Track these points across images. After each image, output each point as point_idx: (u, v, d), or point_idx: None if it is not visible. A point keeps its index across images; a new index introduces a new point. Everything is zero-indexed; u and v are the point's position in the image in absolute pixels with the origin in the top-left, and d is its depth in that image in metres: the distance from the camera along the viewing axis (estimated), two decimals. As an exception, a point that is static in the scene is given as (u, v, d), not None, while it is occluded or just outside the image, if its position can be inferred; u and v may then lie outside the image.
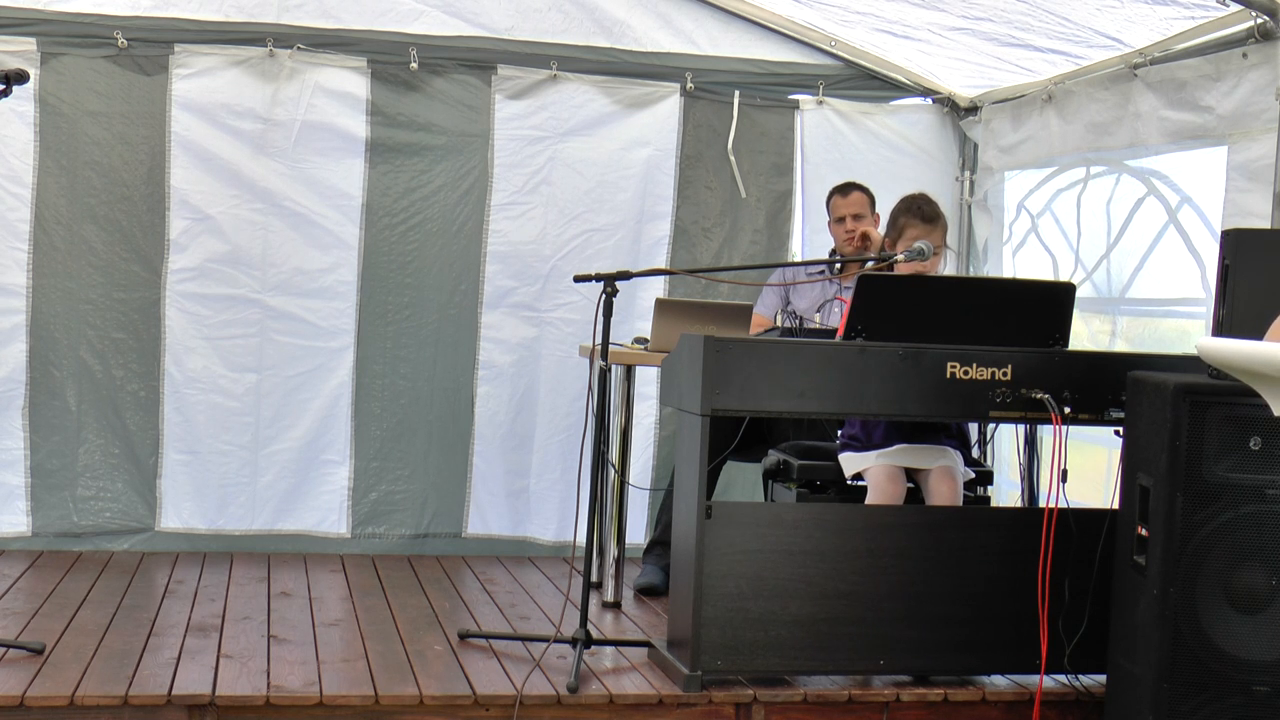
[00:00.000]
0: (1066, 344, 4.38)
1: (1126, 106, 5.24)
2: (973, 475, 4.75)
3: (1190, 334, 5.06)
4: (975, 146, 6.38)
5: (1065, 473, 4.09)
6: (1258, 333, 3.71)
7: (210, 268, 5.83)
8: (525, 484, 6.14)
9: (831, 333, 4.96)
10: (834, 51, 6.25)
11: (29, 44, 5.63)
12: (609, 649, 4.54)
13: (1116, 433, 4.18)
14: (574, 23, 6.06)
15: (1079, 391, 4.21)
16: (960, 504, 4.57)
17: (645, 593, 5.42)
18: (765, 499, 4.99)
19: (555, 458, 6.10)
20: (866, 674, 4.33)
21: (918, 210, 4.83)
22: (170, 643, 4.39)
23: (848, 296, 4.78)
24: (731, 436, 4.71)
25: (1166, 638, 3.83)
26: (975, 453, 5.05)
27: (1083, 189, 5.70)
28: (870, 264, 4.96)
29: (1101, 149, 5.46)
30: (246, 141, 5.83)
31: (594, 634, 4.40)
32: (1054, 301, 4.40)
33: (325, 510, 5.98)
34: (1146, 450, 3.92)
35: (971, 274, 6.29)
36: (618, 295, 4.41)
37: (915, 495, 4.63)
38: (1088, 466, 5.08)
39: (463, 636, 4.60)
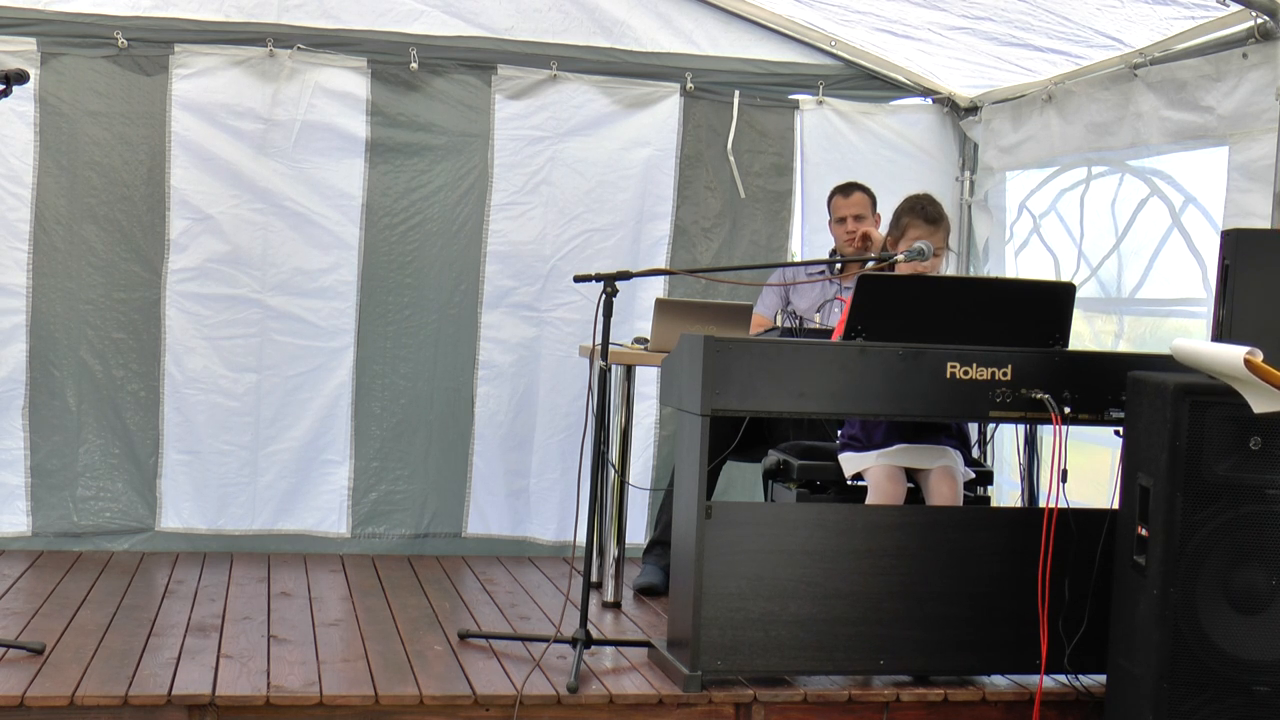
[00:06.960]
0: (1066, 344, 4.38)
1: (1127, 106, 5.24)
2: (973, 475, 4.75)
3: (1194, 334, 5.05)
4: (975, 146, 6.38)
5: (1065, 473, 4.09)
6: (1259, 333, 3.72)
7: (210, 268, 5.83)
8: (525, 484, 6.13)
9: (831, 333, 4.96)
10: (834, 51, 6.24)
11: (29, 44, 5.63)
12: (609, 649, 4.54)
13: (1116, 433, 4.18)
14: (574, 23, 6.06)
15: (1079, 391, 4.21)
16: (960, 504, 4.57)
17: (645, 593, 5.41)
18: (765, 499, 4.98)
19: (555, 458, 6.10)
20: (866, 674, 4.33)
21: (921, 210, 4.83)
22: (170, 643, 4.39)
23: (848, 296, 4.77)
24: (731, 436, 4.71)
25: (1166, 638, 3.83)
26: (975, 453, 5.05)
27: (1084, 189, 5.70)
28: (870, 264, 4.96)
29: (1102, 149, 5.46)
30: (246, 141, 5.83)
31: (594, 634, 4.40)
32: (1054, 301, 4.40)
33: (325, 510, 5.98)
34: (1146, 450, 3.92)
35: (972, 274, 6.29)
36: (618, 295, 4.41)
37: (915, 495, 4.63)
38: (1091, 467, 5.08)
39: (463, 636, 4.60)
